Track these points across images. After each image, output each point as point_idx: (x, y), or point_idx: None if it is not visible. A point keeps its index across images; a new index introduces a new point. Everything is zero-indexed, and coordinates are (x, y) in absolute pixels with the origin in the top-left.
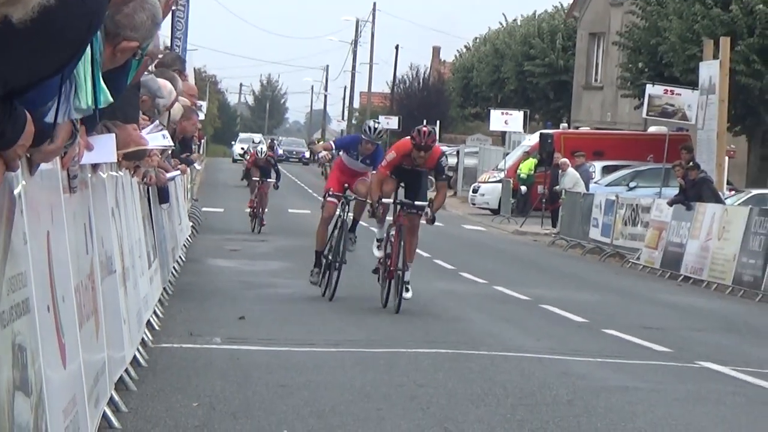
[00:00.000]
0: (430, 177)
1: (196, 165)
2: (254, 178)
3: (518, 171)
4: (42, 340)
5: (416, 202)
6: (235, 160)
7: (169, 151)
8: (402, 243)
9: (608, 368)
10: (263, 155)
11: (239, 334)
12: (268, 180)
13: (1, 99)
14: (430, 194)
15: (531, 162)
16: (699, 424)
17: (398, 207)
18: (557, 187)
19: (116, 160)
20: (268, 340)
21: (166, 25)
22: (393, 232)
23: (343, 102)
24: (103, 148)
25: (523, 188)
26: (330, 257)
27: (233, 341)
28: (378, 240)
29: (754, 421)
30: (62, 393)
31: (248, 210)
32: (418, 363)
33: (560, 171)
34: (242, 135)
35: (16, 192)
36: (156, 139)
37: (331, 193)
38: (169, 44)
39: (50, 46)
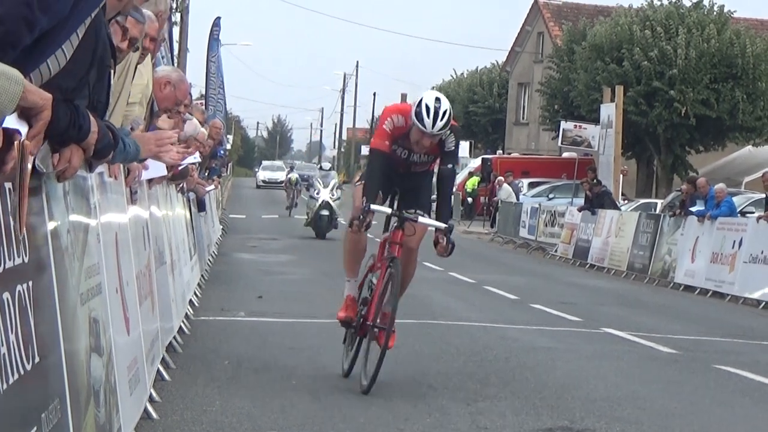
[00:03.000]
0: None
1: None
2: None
3: (465, 186)
4: (111, 315)
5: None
6: (258, 186)
7: (206, 173)
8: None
9: (535, 333)
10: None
11: (258, 309)
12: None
13: (66, 102)
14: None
15: (475, 180)
16: (603, 375)
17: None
18: (496, 198)
19: (166, 173)
20: (280, 314)
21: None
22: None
23: (335, 135)
24: (155, 165)
25: (470, 199)
26: None
27: (254, 314)
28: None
29: (643, 372)
30: (126, 354)
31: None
32: None
33: (498, 186)
34: (265, 162)
35: (92, 203)
36: (189, 159)
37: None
38: (204, 93)
39: (83, 55)
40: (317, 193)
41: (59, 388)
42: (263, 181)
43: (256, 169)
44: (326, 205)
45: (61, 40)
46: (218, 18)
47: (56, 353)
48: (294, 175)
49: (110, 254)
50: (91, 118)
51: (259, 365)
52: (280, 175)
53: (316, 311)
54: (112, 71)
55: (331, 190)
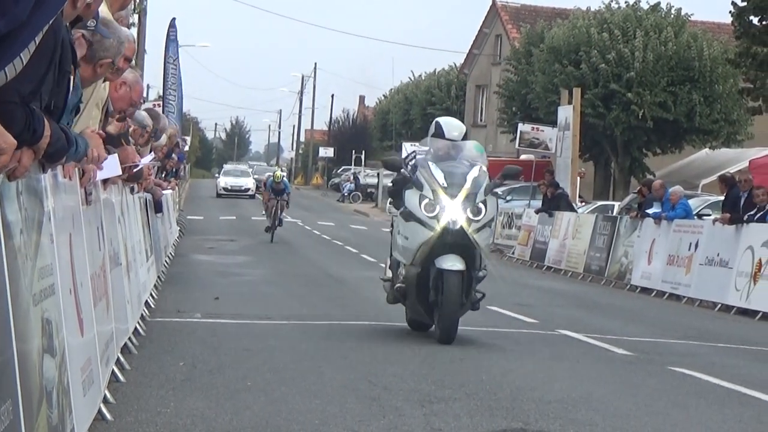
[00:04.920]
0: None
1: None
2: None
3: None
4: (65, 315)
5: None
6: (219, 195)
7: (164, 174)
8: None
9: (491, 335)
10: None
11: (214, 311)
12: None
13: (22, 105)
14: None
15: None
16: (558, 376)
17: None
18: None
19: (121, 173)
20: (236, 315)
21: (159, 79)
22: None
23: (293, 137)
24: (110, 166)
25: None
26: None
27: (210, 316)
28: None
29: (599, 374)
30: (80, 355)
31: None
32: (349, 332)
33: None
34: (227, 166)
35: (45, 204)
36: (146, 159)
37: None
38: (162, 94)
39: (39, 59)
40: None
41: (11, 390)
42: (225, 189)
43: (216, 174)
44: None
45: (19, 45)
46: (173, 19)
47: (8, 354)
48: (279, 173)
49: (64, 255)
50: (46, 122)
51: (214, 367)
52: (246, 182)
53: (272, 312)
54: (72, 76)
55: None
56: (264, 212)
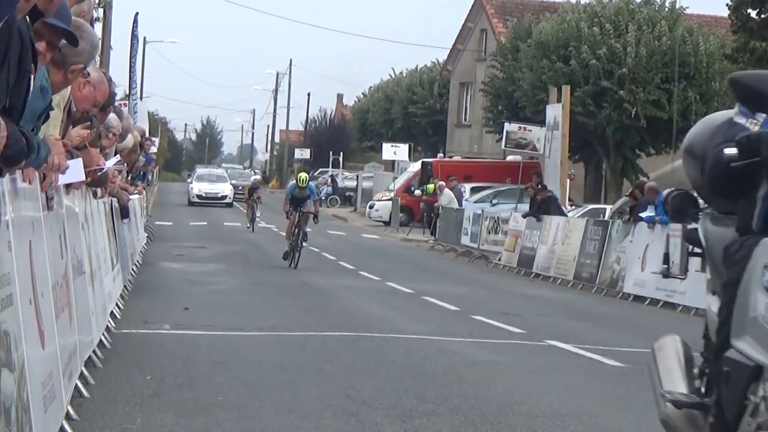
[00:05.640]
0: None
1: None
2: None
3: (425, 190)
4: (24, 327)
5: None
6: (191, 203)
7: (129, 177)
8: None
9: (476, 346)
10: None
11: (184, 322)
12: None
13: None
14: None
15: (432, 186)
16: (547, 390)
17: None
18: (436, 203)
19: (85, 178)
20: (207, 326)
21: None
22: None
23: (267, 138)
24: (73, 170)
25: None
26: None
27: (179, 327)
28: None
29: (589, 386)
30: (41, 369)
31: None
32: (326, 343)
33: (438, 192)
34: (201, 170)
35: (3, 210)
36: (111, 161)
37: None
38: (127, 92)
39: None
40: None
41: None
42: (199, 197)
43: (189, 180)
44: None
45: None
46: (136, 14)
47: None
48: (303, 175)
49: (23, 263)
50: (2, 122)
51: (183, 381)
52: (223, 188)
53: (245, 323)
54: (32, 76)
55: None
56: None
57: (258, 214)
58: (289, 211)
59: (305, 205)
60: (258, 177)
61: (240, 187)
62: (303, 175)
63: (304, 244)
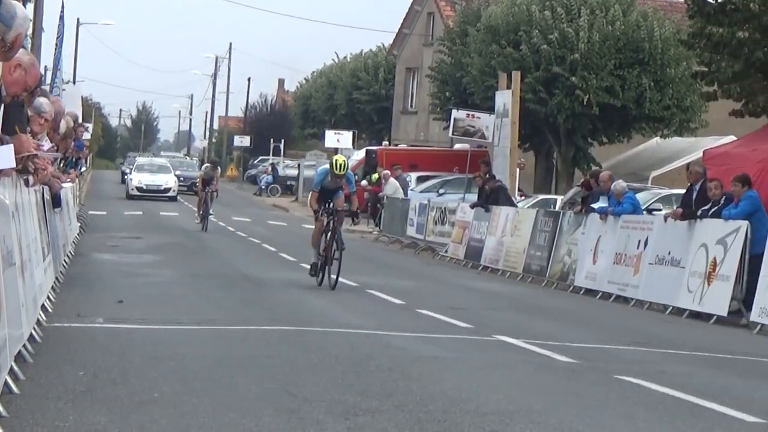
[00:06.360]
0: None
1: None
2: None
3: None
4: None
5: None
6: (130, 196)
7: (62, 164)
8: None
9: (422, 341)
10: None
11: (118, 315)
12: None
13: None
14: None
15: (376, 176)
16: (495, 386)
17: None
18: (381, 193)
19: (15, 165)
20: (142, 320)
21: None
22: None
23: (205, 124)
24: (2, 157)
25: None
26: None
27: (113, 321)
28: None
29: (539, 383)
30: None
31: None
32: (267, 338)
33: (383, 181)
34: (141, 159)
35: None
36: (46, 148)
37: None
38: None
39: None
40: None
41: None
42: (139, 189)
43: (125, 168)
44: None
45: None
46: None
47: None
48: (341, 157)
49: None
50: None
51: (117, 376)
52: (166, 180)
53: (182, 316)
54: None
55: None
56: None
57: (211, 211)
58: (320, 209)
59: (337, 198)
60: (210, 165)
61: (183, 178)
62: (340, 157)
63: (339, 254)
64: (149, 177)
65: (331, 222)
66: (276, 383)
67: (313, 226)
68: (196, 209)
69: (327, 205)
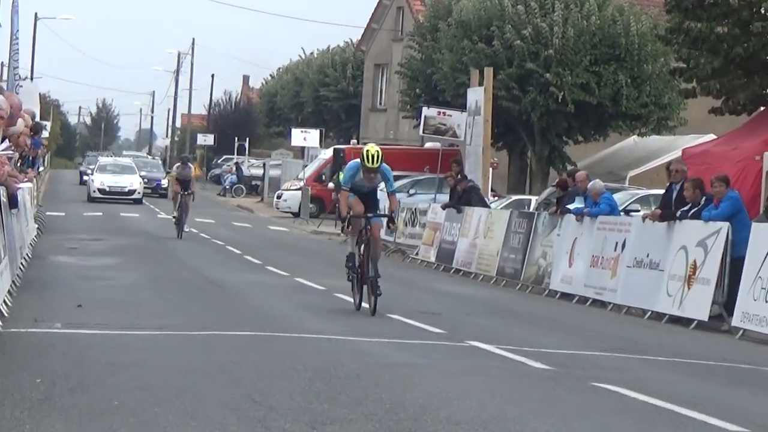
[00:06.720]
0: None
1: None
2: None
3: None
4: None
5: None
6: (92, 198)
7: (19, 163)
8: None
9: (392, 347)
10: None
11: (77, 320)
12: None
13: None
14: None
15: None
16: (468, 394)
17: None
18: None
19: None
20: (101, 325)
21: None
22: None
23: (167, 122)
24: None
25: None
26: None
27: (72, 326)
28: None
29: (513, 390)
30: None
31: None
32: (231, 344)
33: None
34: (104, 159)
35: None
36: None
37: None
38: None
39: None
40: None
41: None
42: (101, 191)
43: (84, 168)
44: None
45: None
46: None
47: None
48: (374, 147)
49: None
50: None
51: (76, 384)
52: (130, 181)
53: (143, 322)
54: None
55: None
56: (174, 214)
57: (185, 223)
58: (349, 215)
59: (372, 201)
60: (180, 163)
61: (147, 179)
62: (373, 147)
63: (374, 273)
64: (112, 178)
65: (365, 231)
66: (241, 391)
67: (275, 227)
68: (172, 214)
69: (365, 215)
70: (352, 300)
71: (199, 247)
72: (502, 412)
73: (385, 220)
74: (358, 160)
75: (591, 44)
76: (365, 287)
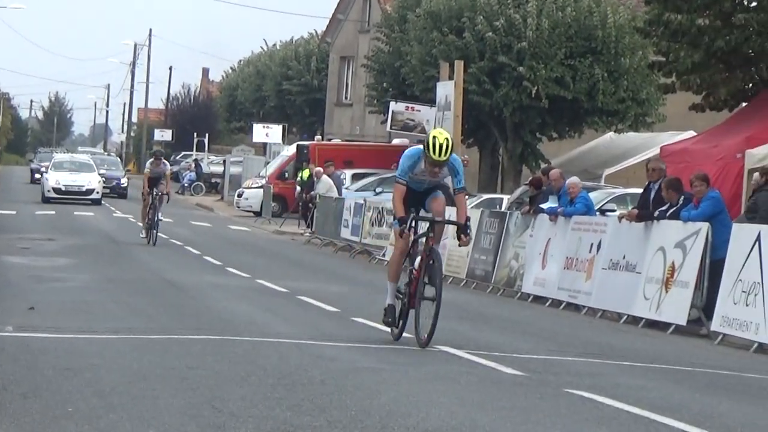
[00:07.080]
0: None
1: None
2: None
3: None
4: None
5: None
6: (47, 198)
7: None
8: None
9: (357, 352)
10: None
11: (29, 323)
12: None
13: None
14: None
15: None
16: (436, 400)
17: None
18: (313, 192)
19: None
20: (55, 328)
21: None
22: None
23: (123, 117)
24: None
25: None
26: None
27: (23, 329)
28: None
29: (484, 397)
30: None
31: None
32: (189, 348)
33: (315, 178)
34: (60, 156)
35: None
36: None
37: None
38: None
39: None
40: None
41: None
42: (56, 191)
43: (36, 164)
44: None
45: None
46: None
47: None
48: (443, 132)
49: None
50: None
51: (28, 389)
52: (88, 180)
53: (98, 325)
54: None
55: None
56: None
57: (160, 217)
58: (406, 223)
59: (433, 201)
60: (153, 159)
61: (105, 178)
62: (441, 134)
63: (437, 292)
64: (69, 176)
65: (427, 240)
66: (200, 397)
67: (236, 226)
68: (140, 219)
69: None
70: (318, 304)
71: (156, 248)
72: (472, 419)
73: (453, 229)
74: (420, 147)
75: (566, 36)
76: (411, 311)
